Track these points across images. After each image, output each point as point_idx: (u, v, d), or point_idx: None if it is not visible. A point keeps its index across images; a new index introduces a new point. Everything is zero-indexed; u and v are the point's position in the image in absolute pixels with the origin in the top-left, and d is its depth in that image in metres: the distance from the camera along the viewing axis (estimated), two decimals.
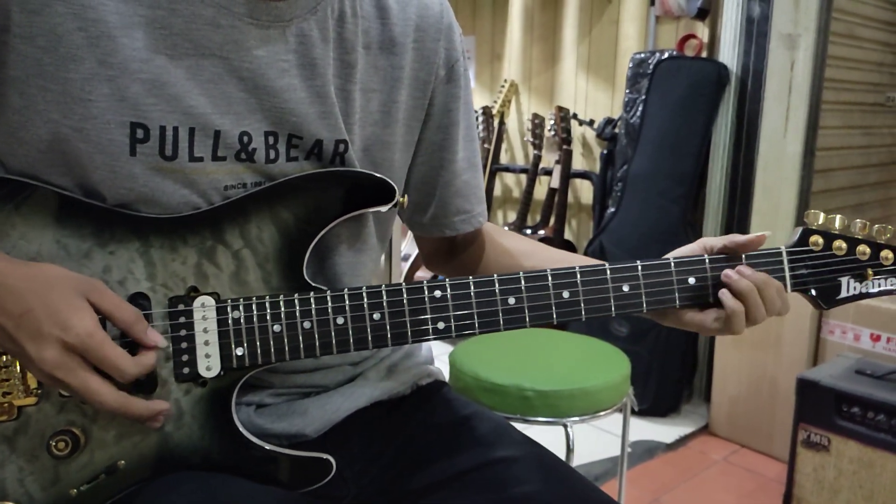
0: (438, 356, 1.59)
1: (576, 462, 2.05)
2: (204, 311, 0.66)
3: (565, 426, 1.42)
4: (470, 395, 1.45)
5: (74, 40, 0.61)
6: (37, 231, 0.64)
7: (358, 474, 0.76)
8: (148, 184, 0.65)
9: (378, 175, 0.71)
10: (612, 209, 2.61)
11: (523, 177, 3.17)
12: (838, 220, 0.72)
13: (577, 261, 0.79)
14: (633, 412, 1.69)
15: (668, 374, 2.45)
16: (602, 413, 1.44)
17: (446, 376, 1.41)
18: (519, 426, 0.99)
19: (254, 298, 0.67)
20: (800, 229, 0.72)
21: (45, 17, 0.61)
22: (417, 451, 0.77)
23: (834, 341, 2.10)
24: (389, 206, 0.71)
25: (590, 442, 2.21)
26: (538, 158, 3.03)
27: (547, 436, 1.29)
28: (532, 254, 0.89)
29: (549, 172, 2.99)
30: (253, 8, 0.66)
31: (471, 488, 0.71)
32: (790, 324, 2.15)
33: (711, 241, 0.75)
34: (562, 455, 1.40)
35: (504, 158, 3.35)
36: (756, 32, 2.32)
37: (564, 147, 2.90)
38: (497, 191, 3.38)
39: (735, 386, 2.30)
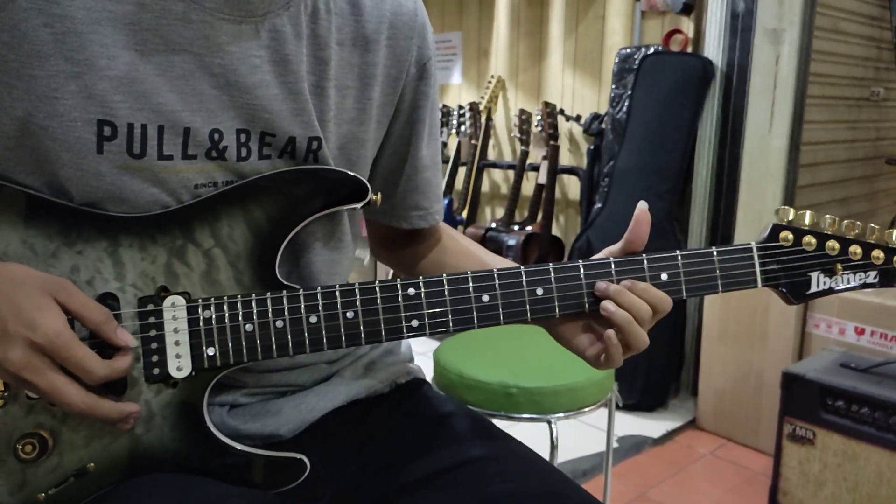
0: (425, 353, 1.59)
1: (562, 458, 2.05)
2: (174, 311, 0.65)
3: (549, 423, 1.42)
4: (454, 393, 1.44)
5: (39, 37, 0.60)
6: (3, 231, 0.63)
7: (335, 474, 0.76)
8: (115, 182, 0.64)
9: (351, 173, 0.70)
10: (599, 205, 2.61)
11: (511, 173, 3.17)
12: (808, 217, 0.72)
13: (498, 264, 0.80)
14: (619, 407, 1.69)
15: (655, 368, 2.45)
16: (586, 409, 1.44)
17: (430, 373, 1.41)
18: (503, 423, 0.99)
19: (225, 298, 0.66)
20: (770, 225, 0.72)
21: (8, 13, 0.59)
22: (396, 449, 0.76)
23: (819, 335, 2.11)
24: (362, 203, 0.70)
25: (576, 438, 2.21)
26: (525, 154, 3.02)
27: (532, 432, 1.29)
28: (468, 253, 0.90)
29: (536, 168, 2.98)
30: (224, 3, 0.65)
31: (450, 486, 0.71)
32: (776, 318, 2.16)
33: (612, 248, 0.73)
34: (546, 452, 1.41)
35: (491, 154, 3.35)
36: (741, 27, 2.32)
37: (551, 143, 2.89)
38: (485, 187, 3.37)
39: (721, 380, 2.30)
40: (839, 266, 0.71)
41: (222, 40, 0.65)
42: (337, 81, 0.73)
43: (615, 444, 2.21)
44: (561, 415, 1.41)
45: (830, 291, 0.71)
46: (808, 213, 0.72)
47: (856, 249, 0.71)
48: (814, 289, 0.71)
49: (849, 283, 0.70)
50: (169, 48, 0.64)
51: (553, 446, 1.41)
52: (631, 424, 2.37)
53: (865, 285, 0.70)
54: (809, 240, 0.71)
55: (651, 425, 2.37)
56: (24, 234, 0.63)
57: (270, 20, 0.67)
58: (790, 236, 0.71)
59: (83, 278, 0.64)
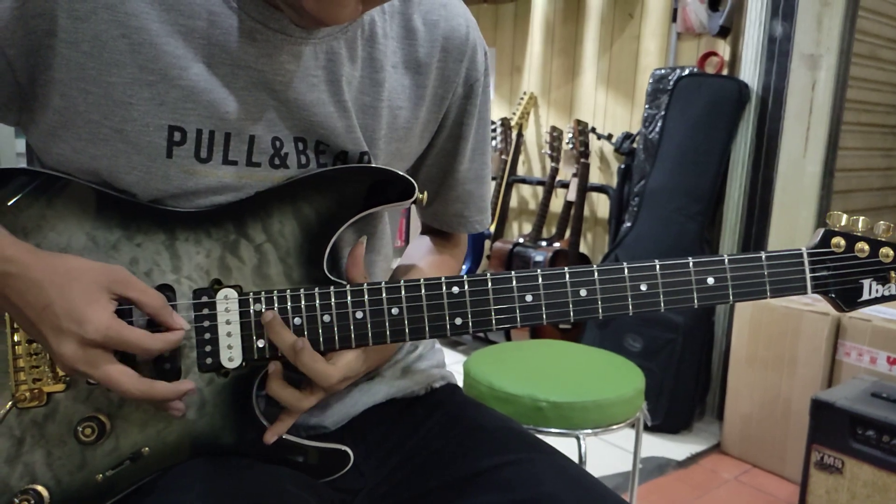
0: (451, 364, 1.60)
1: None
2: (227, 304, 0.67)
3: (578, 438, 1.41)
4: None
5: (118, 46, 0.63)
6: (67, 223, 0.66)
7: (373, 469, 0.77)
8: (181, 186, 0.67)
9: (399, 172, 0.73)
10: (629, 224, 2.61)
11: (540, 189, 3.18)
12: (861, 222, 0.70)
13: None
14: (646, 428, 1.68)
15: (681, 390, 2.43)
16: (615, 426, 1.44)
17: (459, 385, 1.41)
18: None
19: (275, 292, 0.68)
20: (822, 230, 0.70)
21: (91, 25, 0.63)
22: (432, 450, 0.78)
23: (850, 363, 2.08)
24: (410, 201, 0.72)
25: (601, 457, 2.20)
26: (555, 171, 3.04)
27: (559, 447, 1.29)
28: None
29: (565, 185, 2.99)
30: (287, 24, 0.68)
31: (486, 488, 0.71)
32: (805, 344, 2.13)
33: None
34: None
35: (521, 170, 3.36)
36: (778, 52, 2.32)
37: (582, 160, 2.90)
38: (513, 202, 3.39)
39: (748, 405, 2.28)
40: (893, 274, 0.69)
41: (283, 59, 0.68)
42: (390, 102, 0.76)
43: (639, 465, 2.19)
44: (589, 431, 1.41)
45: (884, 299, 0.69)
46: (861, 218, 0.70)
47: None
48: (865, 296, 0.70)
49: None
50: (234, 62, 0.67)
51: (581, 462, 1.41)
52: (655, 446, 2.35)
53: None
54: (862, 246, 0.69)
55: (675, 447, 2.35)
56: (88, 226, 0.66)
57: (328, 42, 0.70)
58: (842, 242, 0.69)
59: (142, 269, 0.67)
